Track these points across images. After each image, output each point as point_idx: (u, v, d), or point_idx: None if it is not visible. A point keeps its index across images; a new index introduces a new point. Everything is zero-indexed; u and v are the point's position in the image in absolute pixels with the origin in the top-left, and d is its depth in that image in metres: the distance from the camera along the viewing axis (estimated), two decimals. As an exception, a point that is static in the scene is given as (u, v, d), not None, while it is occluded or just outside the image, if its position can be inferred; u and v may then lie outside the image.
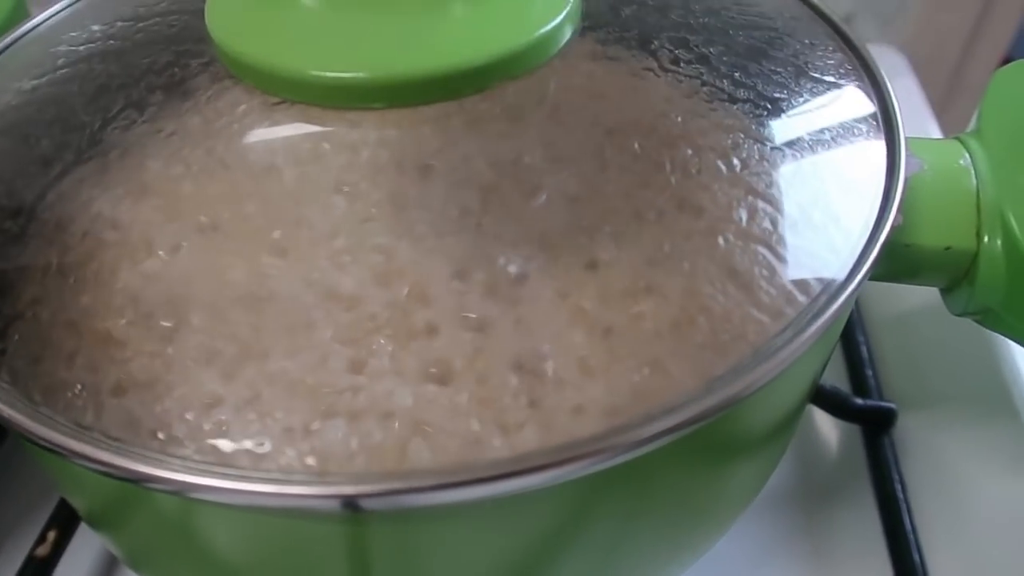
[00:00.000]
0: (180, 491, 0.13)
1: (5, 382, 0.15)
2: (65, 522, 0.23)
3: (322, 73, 0.14)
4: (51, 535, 0.23)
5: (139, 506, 0.15)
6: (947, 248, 0.16)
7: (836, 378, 0.27)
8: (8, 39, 0.21)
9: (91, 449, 0.13)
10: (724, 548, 0.21)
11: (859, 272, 0.14)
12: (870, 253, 0.14)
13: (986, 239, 0.16)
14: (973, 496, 0.23)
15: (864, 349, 0.27)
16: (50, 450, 0.13)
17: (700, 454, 0.17)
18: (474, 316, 0.17)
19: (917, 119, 0.34)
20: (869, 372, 0.26)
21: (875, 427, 0.25)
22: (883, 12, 0.39)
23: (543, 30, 0.14)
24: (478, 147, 0.19)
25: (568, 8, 0.15)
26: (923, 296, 0.29)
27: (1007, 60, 0.42)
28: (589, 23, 0.17)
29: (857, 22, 0.39)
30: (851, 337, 0.27)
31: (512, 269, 0.18)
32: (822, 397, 0.25)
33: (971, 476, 0.23)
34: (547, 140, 0.19)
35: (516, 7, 0.15)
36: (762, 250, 0.15)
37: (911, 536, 0.22)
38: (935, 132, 0.33)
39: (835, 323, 0.14)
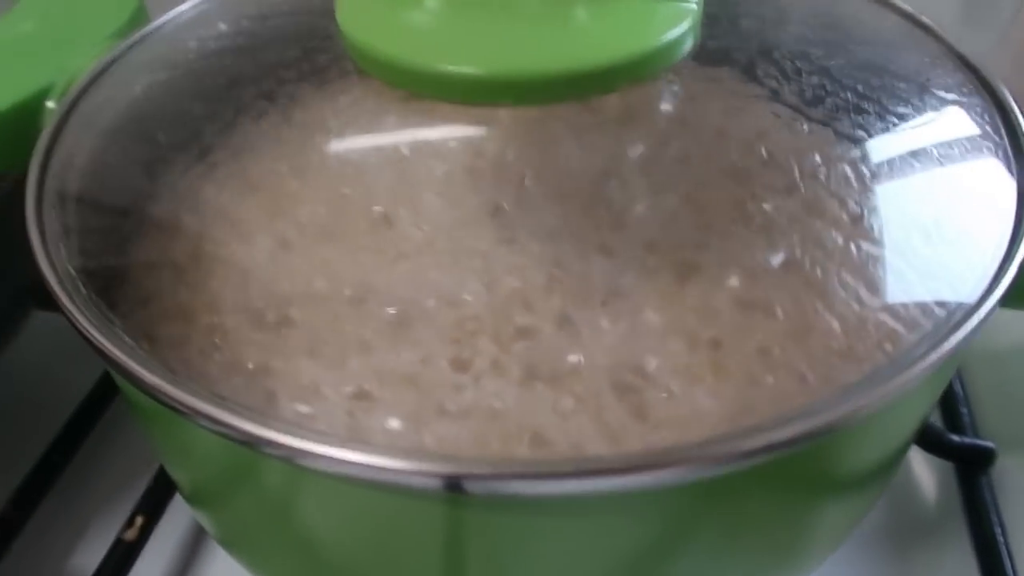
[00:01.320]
0: (291, 456, 0.13)
1: (144, 349, 0.15)
2: (152, 508, 0.23)
3: (449, 68, 0.14)
4: (138, 520, 0.23)
5: (247, 475, 0.15)
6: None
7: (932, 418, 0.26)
8: (134, 38, 0.22)
9: (218, 411, 0.13)
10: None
11: (996, 289, 0.13)
12: (1007, 271, 0.13)
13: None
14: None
15: (958, 385, 0.26)
16: (179, 410, 0.13)
17: (806, 476, 0.16)
18: (577, 321, 0.17)
19: None
20: (964, 409, 0.25)
21: (972, 466, 0.24)
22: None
23: (669, 36, 0.15)
24: (586, 154, 0.19)
25: (692, 17, 0.15)
26: (1018, 332, 0.28)
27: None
28: (707, 33, 0.17)
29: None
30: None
31: (617, 277, 0.18)
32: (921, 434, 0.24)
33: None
34: (662, 146, 0.19)
35: (638, 14, 0.15)
36: (894, 259, 0.15)
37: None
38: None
39: (972, 339, 0.13)
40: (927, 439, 0.24)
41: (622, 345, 0.17)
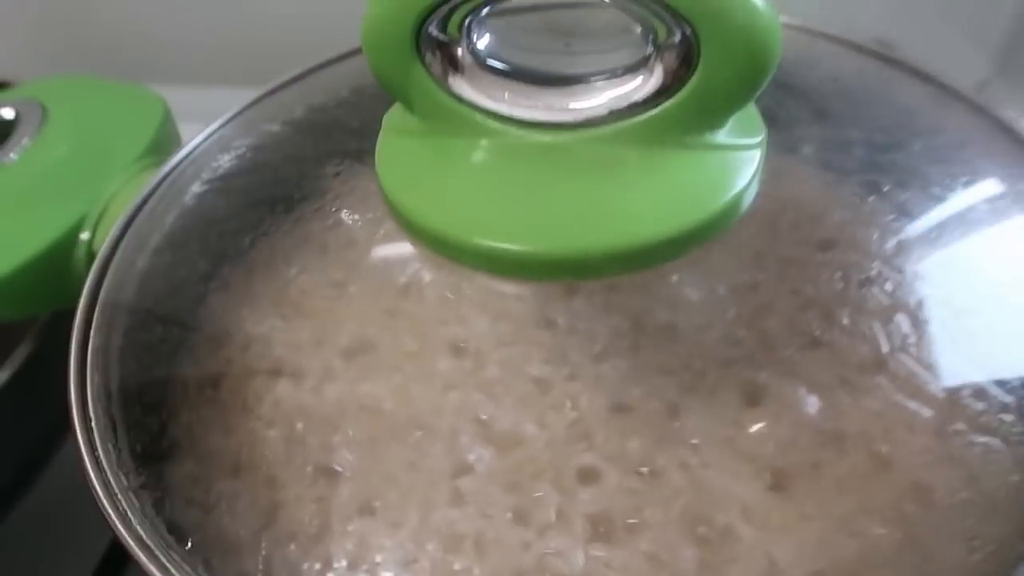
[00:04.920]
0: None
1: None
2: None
3: (494, 244, 0.14)
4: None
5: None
6: None
7: None
8: (169, 166, 0.21)
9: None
10: None
11: None
12: None
13: None
14: None
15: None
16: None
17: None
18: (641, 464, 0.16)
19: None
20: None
21: None
22: (1017, 78, 0.37)
23: (731, 193, 0.14)
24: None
25: (758, 160, 0.15)
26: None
27: None
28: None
29: (992, 89, 0.37)
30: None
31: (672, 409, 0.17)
32: None
33: None
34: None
35: (698, 167, 0.14)
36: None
37: None
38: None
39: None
40: None
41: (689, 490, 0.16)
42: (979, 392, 0.16)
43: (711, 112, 0.14)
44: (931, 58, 0.39)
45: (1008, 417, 0.15)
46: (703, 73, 0.13)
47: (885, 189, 0.19)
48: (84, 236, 0.21)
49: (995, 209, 0.18)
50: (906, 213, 0.18)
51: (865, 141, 0.20)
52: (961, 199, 0.19)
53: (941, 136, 0.20)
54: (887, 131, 0.21)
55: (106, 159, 0.22)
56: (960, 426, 0.16)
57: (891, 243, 0.18)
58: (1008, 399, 0.16)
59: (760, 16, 0.13)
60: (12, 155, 0.22)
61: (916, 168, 0.19)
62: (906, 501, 0.15)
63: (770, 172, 0.16)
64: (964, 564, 0.14)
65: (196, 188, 0.22)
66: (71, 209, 0.21)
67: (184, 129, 0.25)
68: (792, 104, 0.20)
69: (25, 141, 0.22)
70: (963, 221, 0.19)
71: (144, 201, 0.21)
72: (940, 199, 0.19)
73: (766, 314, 0.18)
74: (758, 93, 0.14)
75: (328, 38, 0.24)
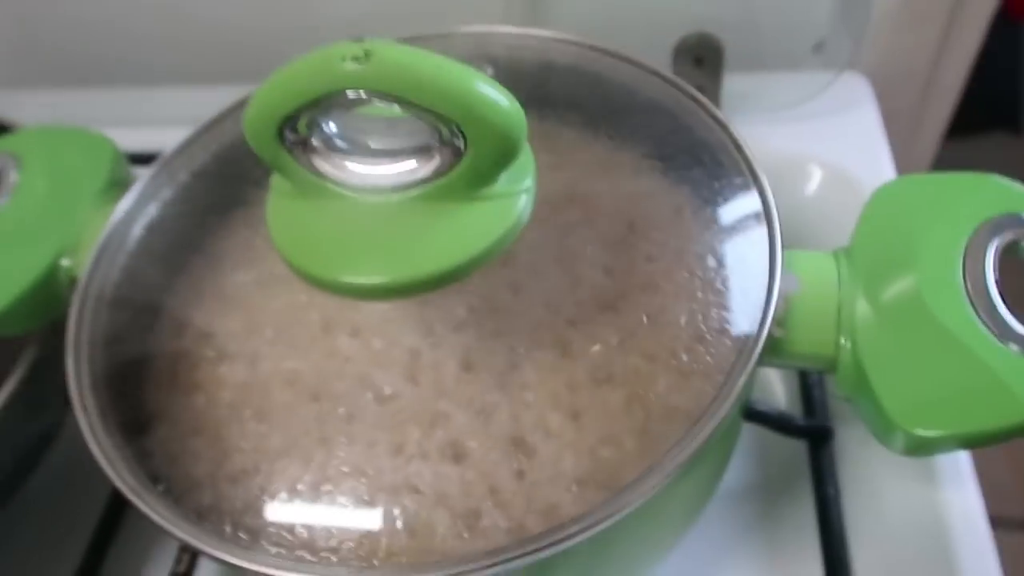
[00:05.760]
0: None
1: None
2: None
3: (346, 279, 0.20)
4: (185, 556, 0.30)
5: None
6: (814, 353, 0.22)
7: (792, 398, 0.33)
8: (128, 199, 0.28)
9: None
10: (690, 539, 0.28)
11: (745, 370, 0.20)
12: (751, 356, 0.20)
13: (842, 343, 0.21)
14: (888, 498, 0.29)
15: (816, 376, 0.33)
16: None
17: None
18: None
19: (872, 155, 0.38)
20: (816, 393, 0.32)
21: (817, 442, 0.31)
22: (853, 37, 0.42)
23: (504, 228, 0.20)
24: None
25: (525, 200, 0.21)
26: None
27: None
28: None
29: (828, 48, 0.43)
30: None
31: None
32: (772, 420, 0.31)
33: (888, 482, 0.29)
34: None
35: (482, 214, 0.21)
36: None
37: (839, 528, 0.28)
38: (888, 169, 0.37)
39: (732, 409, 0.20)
40: (779, 424, 0.31)
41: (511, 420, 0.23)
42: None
43: (482, 176, 0.20)
44: (769, 21, 0.45)
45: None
46: (471, 154, 0.20)
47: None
48: (65, 263, 0.27)
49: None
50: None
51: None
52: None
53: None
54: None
55: (75, 196, 0.28)
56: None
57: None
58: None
59: (505, 114, 0.19)
60: (3, 200, 0.28)
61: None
62: (651, 421, 0.22)
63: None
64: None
65: (151, 213, 0.28)
66: (53, 241, 0.27)
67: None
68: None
69: (10, 187, 0.28)
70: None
71: (110, 231, 0.27)
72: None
73: (571, 290, 0.25)
74: (512, 162, 0.20)
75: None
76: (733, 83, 0.39)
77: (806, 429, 0.31)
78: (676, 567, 0.29)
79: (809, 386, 0.32)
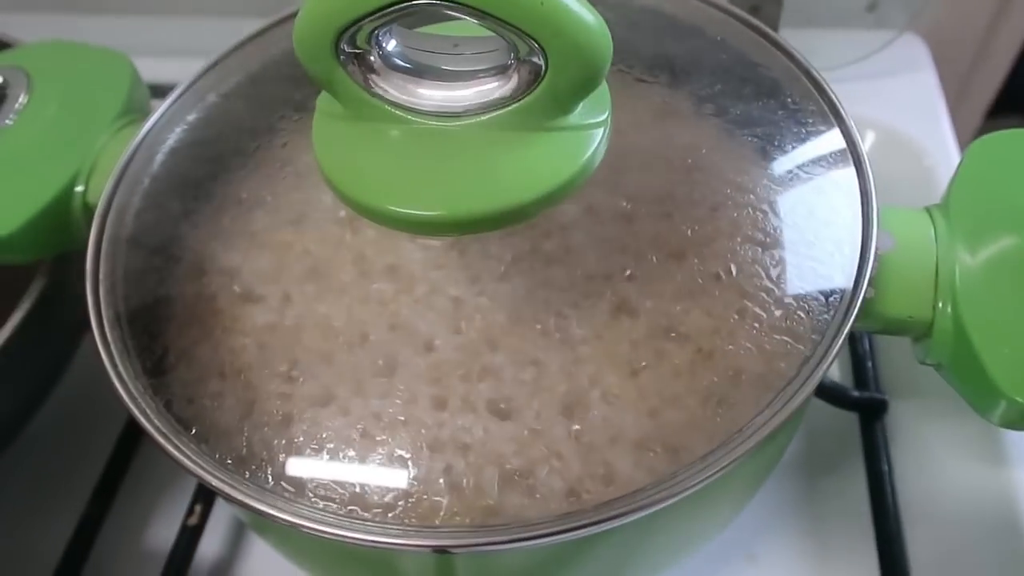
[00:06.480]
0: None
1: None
2: (207, 497, 0.29)
3: (402, 210, 0.18)
4: (198, 508, 0.29)
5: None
6: (909, 317, 0.20)
7: (843, 370, 0.31)
8: (149, 123, 0.25)
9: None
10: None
11: (840, 335, 0.18)
12: (847, 319, 0.18)
13: (940, 306, 0.20)
14: (948, 477, 0.27)
15: (866, 343, 0.31)
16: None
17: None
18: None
19: (929, 118, 0.36)
20: (869, 364, 0.30)
21: (869, 415, 0.29)
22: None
23: (579, 163, 0.18)
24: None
25: (601, 134, 0.19)
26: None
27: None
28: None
29: (882, 8, 0.41)
30: (856, 335, 0.31)
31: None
32: (823, 390, 0.29)
33: (947, 460, 0.27)
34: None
35: (557, 145, 0.19)
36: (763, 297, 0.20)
37: (893, 507, 0.27)
38: (948, 133, 0.36)
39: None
40: (833, 395, 0.29)
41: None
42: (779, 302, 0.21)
43: (559, 104, 0.18)
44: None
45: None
46: (551, 77, 0.18)
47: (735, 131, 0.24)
48: (79, 189, 0.25)
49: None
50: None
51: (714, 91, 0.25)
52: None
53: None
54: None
55: (90, 119, 0.26)
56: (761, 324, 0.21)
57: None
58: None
59: (592, 34, 0.17)
60: (8, 120, 0.25)
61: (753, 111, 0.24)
62: (722, 382, 0.21)
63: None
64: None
65: (172, 142, 0.26)
66: (66, 166, 0.25)
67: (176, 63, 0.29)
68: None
69: (18, 106, 0.26)
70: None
71: (131, 156, 0.25)
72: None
73: (631, 238, 0.23)
74: (595, 90, 0.18)
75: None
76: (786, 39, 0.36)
77: (859, 401, 0.29)
78: (719, 541, 0.27)
79: (860, 355, 0.31)
